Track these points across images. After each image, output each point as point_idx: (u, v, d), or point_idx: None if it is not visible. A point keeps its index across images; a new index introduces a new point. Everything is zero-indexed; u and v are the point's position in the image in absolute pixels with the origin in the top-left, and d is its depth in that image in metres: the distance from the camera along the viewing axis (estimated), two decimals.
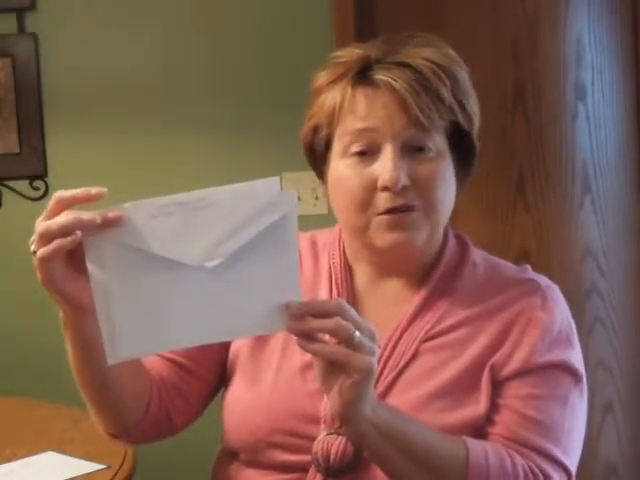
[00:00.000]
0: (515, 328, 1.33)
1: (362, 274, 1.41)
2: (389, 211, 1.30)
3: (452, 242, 1.42)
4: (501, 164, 2.44)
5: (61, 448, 1.72)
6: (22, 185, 2.55)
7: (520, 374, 1.32)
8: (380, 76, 1.30)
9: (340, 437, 1.30)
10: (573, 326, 1.39)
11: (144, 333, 1.15)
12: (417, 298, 1.37)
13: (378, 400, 1.24)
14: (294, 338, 1.20)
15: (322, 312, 1.16)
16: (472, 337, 1.34)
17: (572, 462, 1.34)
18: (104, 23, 2.51)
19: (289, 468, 1.34)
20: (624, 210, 2.49)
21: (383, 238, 1.32)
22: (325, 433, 1.31)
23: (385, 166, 1.29)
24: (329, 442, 1.30)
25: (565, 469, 1.32)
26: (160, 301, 1.15)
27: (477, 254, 1.43)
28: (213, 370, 1.44)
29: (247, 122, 2.51)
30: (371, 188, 1.31)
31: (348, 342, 1.15)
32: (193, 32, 2.51)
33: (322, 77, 1.36)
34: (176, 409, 1.41)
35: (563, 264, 2.43)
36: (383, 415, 1.21)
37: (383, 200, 1.30)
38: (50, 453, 1.69)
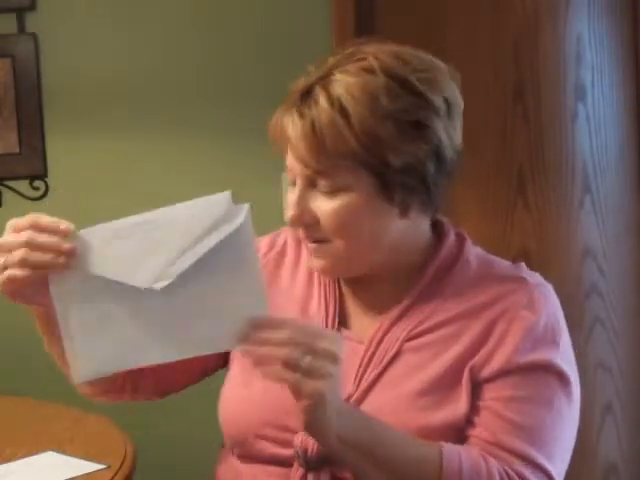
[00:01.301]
0: (498, 327, 1.32)
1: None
2: (307, 239, 1.34)
3: (450, 240, 1.40)
4: (501, 164, 2.44)
5: (61, 448, 1.72)
6: (22, 185, 2.55)
7: (500, 375, 1.30)
8: (291, 113, 1.30)
9: None
10: (562, 326, 1.36)
11: (104, 355, 1.19)
12: (405, 300, 1.37)
13: (348, 409, 1.24)
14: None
15: (273, 341, 1.16)
16: (456, 335, 1.33)
17: (555, 467, 1.30)
18: (104, 23, 2.51)
19: (278, 461, 1.35)
20: (624, 210, 2.49)
21: (311, 263, 1.37)
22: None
23: (289, 203, 1.33)
24: (308, 436, 1.30)
25: (546, 474, 1.29)
26: (117, 324, 1.18)
27: (473, 251, 1.41)
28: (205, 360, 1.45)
29: (247, 122, 2.50)
30: None
31: (297, 369, 1.15)
32: (193, 32, 2.51)
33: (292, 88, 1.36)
34: (145, 384, 1.48)
35: (563, 264, 2.43)
36: (350, 427, 1.22)
37: (300, 229, 1.34)
38: (50, 453, 1.69)
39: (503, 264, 1.42)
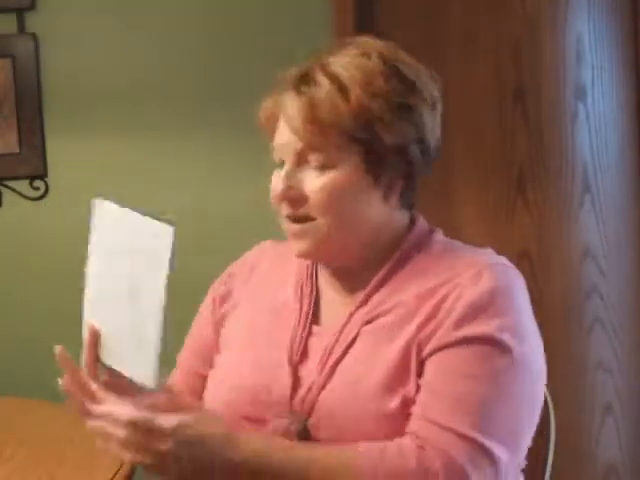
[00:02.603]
0: (443, 307, 1.32)
1: (325, 271, 1.46)
2: (289, 219, 1.37)
3: (419, 231, 1.43)
4: (501, 164, 2.44)
5: (61, 448, 1.72)
6: (22, 185, 2.55)
7: (436, 351, 1.30)
8: (285, 94, 1.37)
9: (286, 420, 1.35)
10: (512, 303, 1.33)
11: None
12: (367, 287, 1.39)
13: (231, 445, 1.26)
14: (259, 325, 1.39)
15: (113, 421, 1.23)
16: (409, 317, 1.34)
17: (490, 436, 1.26)
18: (104, 23, 2.51)
19: None
20: (624, 210, 2.49)
21: (292, 246, 1.40)
22: (276, 417, 1.36)
23: (278, 179, 1.37)
24: (277, 425, 1.35)
25: (475, 442, 1.25)
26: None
27: (439, 241, 1.43)
28: None
29: (247, 122, 2.50)
30: None
31: (134, 448, 1.23)
32: (193, 32, 2.51)
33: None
34: None
35: (563, 264, 2.43)
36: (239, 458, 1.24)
37: (284, 206, 1.38)
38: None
39: (466, 249, 1.43)
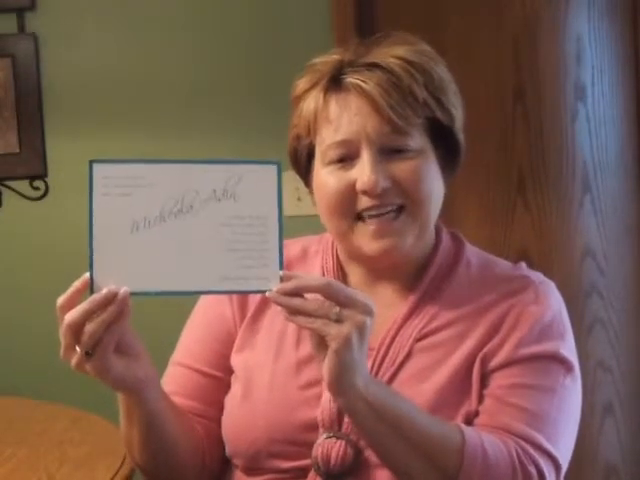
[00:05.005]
0: (506, 322, 1.33)
1: (355, 277, 1.41)
2: (371, 213, 1.30)
3: (446, 241, 1.42)
4: (501, 164, 2.44)
5: (61, 448, 1.72)
6: (22, 185, 2.55)
7: (506, 365, 1.31)
8: (351, 79, 1.30)
9: (339, 441, 1.30)
10: (566, 321, 1.38)
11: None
12: (411, 298, 1.37)
13: (372, 377, 1.23)
14: (287, 341, 1.27)
15: (309, 291, 1.16)
16: (464, 334, 1.33)
17: (559, 451, 1.30)
18: (104, 23, 2.51)
19: (288, 473, 1.34)
20: (624, 210, 2.49)
21: (370, 246, 1.32)
22: (324, 437, 1.31)
23: (363, 170, 1.29)
24: (329, 446, 1.30)
25: (550, 457, 1.29)
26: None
27: (472, 252, 1.43)
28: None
29: (247, 122, 2.51)
30: (351, 192, 1.31)
31: (325, 317, 1.14)
32: (193, 32, 2.51)
33: (299, 85, 1.37)
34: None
35: (563, 264, 2.43)
36: (376, 392, 1.20)
37: (363, 202, 1.30)
38: None
39: (504, 264, 1.43)
